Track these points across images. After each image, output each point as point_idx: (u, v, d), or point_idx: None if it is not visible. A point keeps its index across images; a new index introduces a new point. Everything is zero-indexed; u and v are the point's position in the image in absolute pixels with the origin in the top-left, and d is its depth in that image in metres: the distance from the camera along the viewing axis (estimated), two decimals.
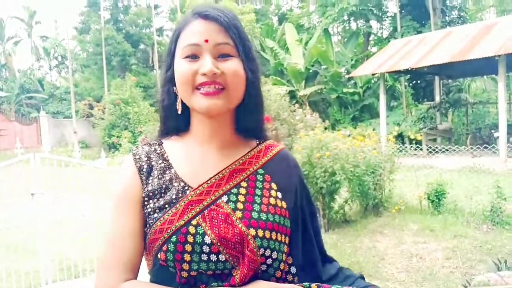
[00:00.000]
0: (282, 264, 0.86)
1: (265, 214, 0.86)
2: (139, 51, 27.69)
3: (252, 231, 0.82)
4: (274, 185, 0.92)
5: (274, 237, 0.84)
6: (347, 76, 17.48)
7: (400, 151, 10.33)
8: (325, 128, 7.01)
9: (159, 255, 0.83)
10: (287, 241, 0.88)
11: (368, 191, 5.54)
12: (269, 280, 0.85)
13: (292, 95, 15.66)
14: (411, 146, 12.32)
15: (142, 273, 0.91)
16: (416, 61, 11.93)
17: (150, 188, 0.88)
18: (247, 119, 0.93)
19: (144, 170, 0.90)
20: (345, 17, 22.16)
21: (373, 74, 13.61)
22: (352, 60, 18.84)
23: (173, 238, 0.81)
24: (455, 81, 17.03)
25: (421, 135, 13.09)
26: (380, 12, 21.90)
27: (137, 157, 0.92)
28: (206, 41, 0.85)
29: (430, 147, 12.55)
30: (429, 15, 17.43)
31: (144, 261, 0.92)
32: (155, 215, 0.85)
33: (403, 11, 19.29)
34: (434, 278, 3.80)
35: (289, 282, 0.88)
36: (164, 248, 0.81)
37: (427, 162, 10.95)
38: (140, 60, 27.79)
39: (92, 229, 4.22)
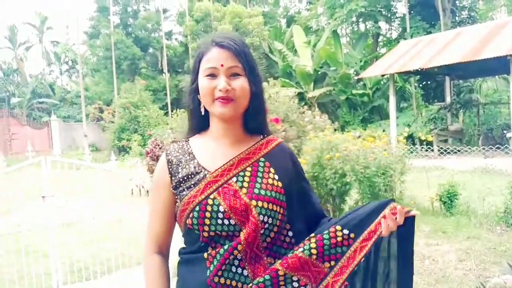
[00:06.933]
0: (276, 227, 1.17)
1: (264, 191, 1.17)
2: (148, 55, 27.86)
3: (254, 202, 1.14)
4: (272, 170, 1.23)
5: (270, 207, 1.15)
6: (356, 78, 17.38)
7: (411, 152, 10.24)
8: (335, 130, 6.97)
9: (187, 221, 1.16)
10: (281, 211, 1.18)
11: (379, 192, 5.49)
12: (266, 238, 1.15)
13: (301, 97, 15.62)
14: (422, 147, 12.21)
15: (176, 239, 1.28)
16: (426, 61, 11.81)
17: (180, 175, 1.21)
18: (252, 121, 1.26)
19: (174, 162, 1.24)
20: (354, 19, 22.03)
21: (383, 75, 13.53)
22: (361, 61, 18.74)
23: (197, 208, 1.14)
24: (466, 81, 16.84)
25: (432, 136, 12.95)
26: (389, 13, 21.73)
27: (168, 151, 1.27)
28: (222, 65, 1.17)
29: (441, 148, 12.43)
30: (439, 16, 17.25)
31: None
32: (184, 192, 1.18)
33: (412, 12, 19.13)
34: (447, 280, 3.74)
35: (288, 243, 1.19)
36: (191, 215, 1.15)
37: (438, 163, 10.84)
38: (149, 64, 27.93)
39: (102, 232, 4.24)
